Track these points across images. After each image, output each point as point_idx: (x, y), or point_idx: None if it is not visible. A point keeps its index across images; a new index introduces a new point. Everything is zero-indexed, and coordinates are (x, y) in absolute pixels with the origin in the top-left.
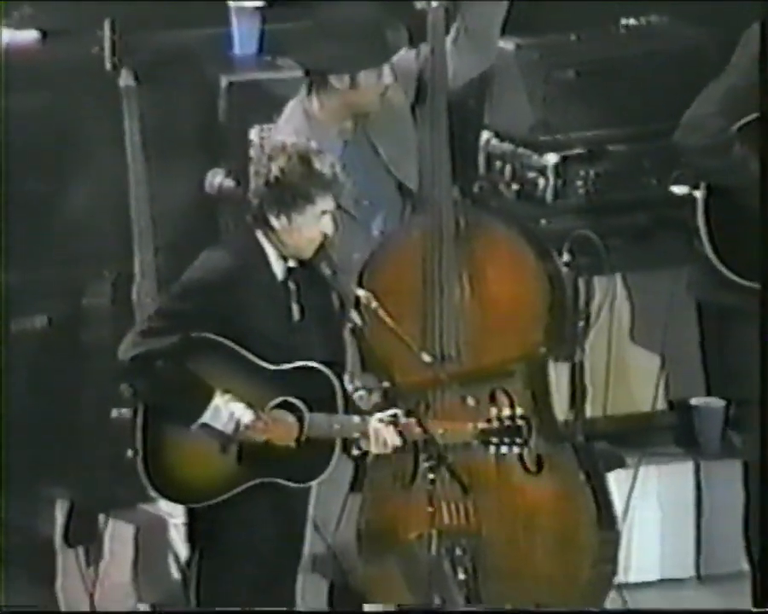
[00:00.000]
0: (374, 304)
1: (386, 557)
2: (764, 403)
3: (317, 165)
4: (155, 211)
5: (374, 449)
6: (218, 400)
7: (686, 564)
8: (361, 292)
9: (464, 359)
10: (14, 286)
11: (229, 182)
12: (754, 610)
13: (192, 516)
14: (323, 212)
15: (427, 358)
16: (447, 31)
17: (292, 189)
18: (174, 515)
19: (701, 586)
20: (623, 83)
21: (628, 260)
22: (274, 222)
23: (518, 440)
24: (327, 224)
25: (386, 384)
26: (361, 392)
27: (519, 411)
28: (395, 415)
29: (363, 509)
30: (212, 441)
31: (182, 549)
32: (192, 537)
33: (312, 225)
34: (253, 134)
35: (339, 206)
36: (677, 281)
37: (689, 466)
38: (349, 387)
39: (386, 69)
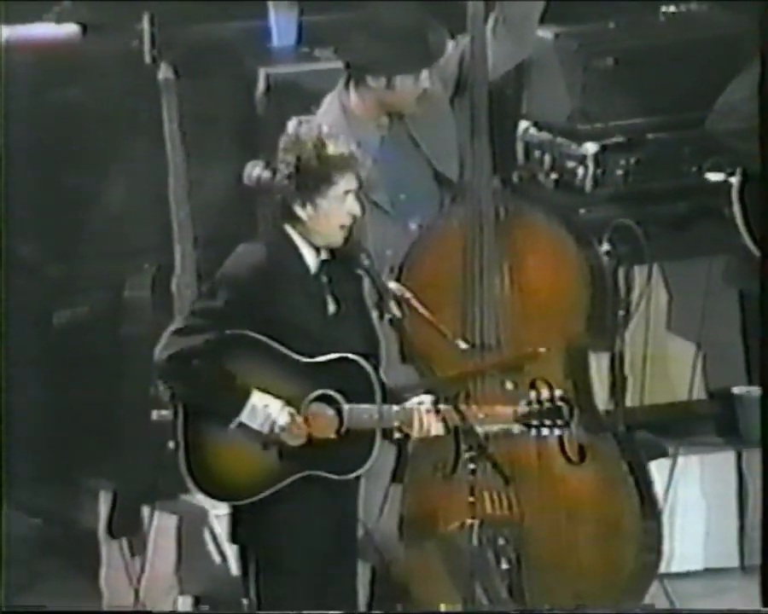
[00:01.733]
0: (407, 295)
1: (428, 547)
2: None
3: (333, 146)
4: (195, 204)
5: (416, 435)
6: (255, 399)
7: (730, 554)
8: (393, 285)
9: (504, 349)
10: (56, 278)
11: (268, 174)
12: (763, 609)
13: (235, 513)
14: (346, 192)
15: (462, 345)
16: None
17: (312, 175)
18: (216, 505)
19: (745, 575)
20: (662, 70)
21: (667, 249)
22: (300, 212)
23: (559, 421)
24: (353, 205)
25: (423, 379)
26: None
27: (558, 392)
28: (436, 401)
29: (404, 499)
30: (254, 438)
31: (225, 540)
32: (236, 534)
33: (338, 208)
34: (291, 126)
35: (361, 185)
36: (715, 270)
37: (731, 455)
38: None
39: (424, 73)
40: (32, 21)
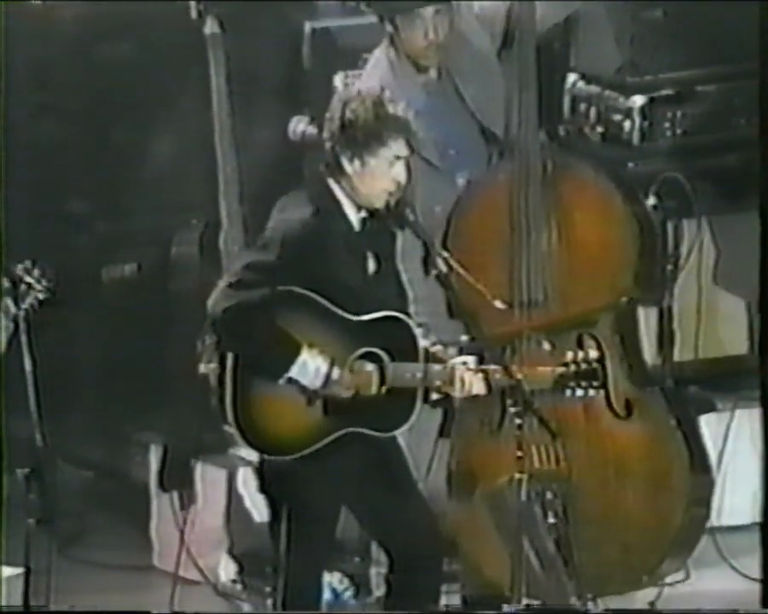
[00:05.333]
0: (444, 255)
1: (476, 501)
2: None
3: (390, 108)
4: (241, 159)
5: (457, 395)
6: (305, 355)
7: None
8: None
9: (551, 304)
10: (105, 234)
11: (313, 130)
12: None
13: (268, 471)
14: (397, 157)
15: (500, 305)
16: None
17: (365, 130)
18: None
19: None
20: (711, 22)
21: (716, 203)
22: (347, 166)
23: (594, 383)
24: (400, 172)
25: (463, 338)
26: (438, 347)
27: (592, 354)
28: (480, 361)
29: (452, 454)
30: (299, 394)
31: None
32: (266, 486)
33: (385, 171)
34: (338, 80)
35: (412, 152)
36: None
37: None
38: (424, 342)
39: (430, 26)
40: None
